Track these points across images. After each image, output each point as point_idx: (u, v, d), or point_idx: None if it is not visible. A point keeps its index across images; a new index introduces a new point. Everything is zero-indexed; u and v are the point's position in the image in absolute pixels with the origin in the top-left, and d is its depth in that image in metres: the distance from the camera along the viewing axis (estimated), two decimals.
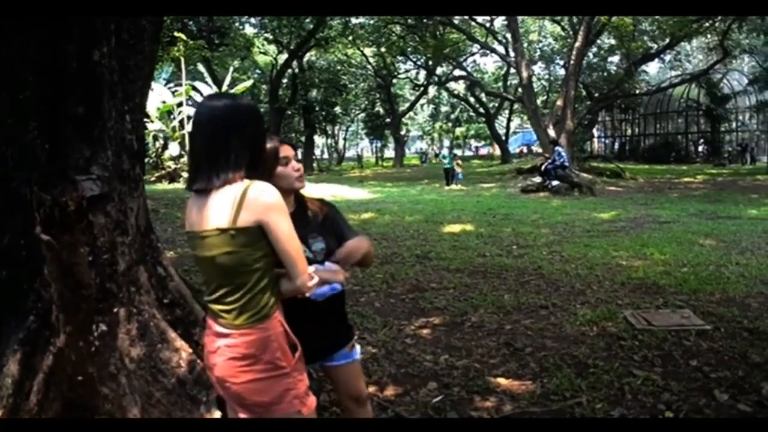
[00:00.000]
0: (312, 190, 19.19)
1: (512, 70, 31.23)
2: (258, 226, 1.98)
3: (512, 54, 24.07)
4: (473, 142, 60.38)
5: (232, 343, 2.04)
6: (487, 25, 30.62)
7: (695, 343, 4.66)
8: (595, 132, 42.32)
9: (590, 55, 34.02)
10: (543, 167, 18.05)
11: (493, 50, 29.92)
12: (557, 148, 18.25)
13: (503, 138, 43.83)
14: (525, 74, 21.34)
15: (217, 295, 2.07)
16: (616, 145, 40.92)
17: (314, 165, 39.68)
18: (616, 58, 36.09)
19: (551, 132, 21.20)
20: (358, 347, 2.78)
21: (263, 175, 2.15)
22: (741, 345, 4.60)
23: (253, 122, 2.10)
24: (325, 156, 58.62)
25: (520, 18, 26.71)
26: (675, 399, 3.72)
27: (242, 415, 2.15)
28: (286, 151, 2.43)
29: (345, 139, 59.31)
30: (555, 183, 17.37)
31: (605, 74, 34.93)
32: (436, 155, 52.99)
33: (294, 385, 2.09)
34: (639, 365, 4.27)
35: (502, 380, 4.10)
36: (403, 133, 48.47)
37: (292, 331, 2.20)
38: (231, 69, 22.67)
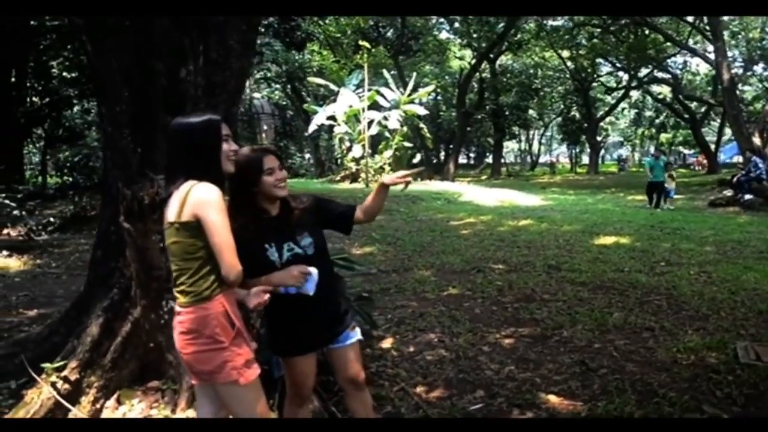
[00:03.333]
0: (481, 194, 19.22)
1: None
2: (197, 220, 2.33)
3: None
4: (683, 150, 55.57)
5: (181, 320, 2.43)
6: (697, 23, 28.06)
7: None
8: None
9: None
10: (735, 179, 16.28)
11: (693, 50, 27.45)
12: (754, 158, 16.31)
13: (712, 146, 39.96)
14: (726, 76, 19.36)
15: (174, 279, 2.46)
16: None
17: (502, 170, 39.30)
18: None
19: (756, 140, 19.03)
20: (358, 329, 2.94)
21: (219, 179, 2.44)
22: None
23: (204, 137, 2.44)
24: (519, 161, 57.86)
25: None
26: None
27: (194, 382, 2.56)
28: (270, 162, 2.66)
29: (541, 143, 57.95)
30: (748, 197, 15.54)
31: None
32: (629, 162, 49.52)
33: (232, 358, 2.40)
34: (715, 402, 3.88)
35: (552, 397, 3.97)
36: (599, 138, 46.22)
37: (296, 320, 2.72)
38: (414, 75, 23.35)
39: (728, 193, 16.46)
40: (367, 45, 19.21)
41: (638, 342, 5.05)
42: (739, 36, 38.29)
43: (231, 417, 2.62)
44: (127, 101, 3.91)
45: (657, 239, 10.55)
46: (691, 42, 32.75)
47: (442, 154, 41.55)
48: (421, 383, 4.23)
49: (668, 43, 31.17)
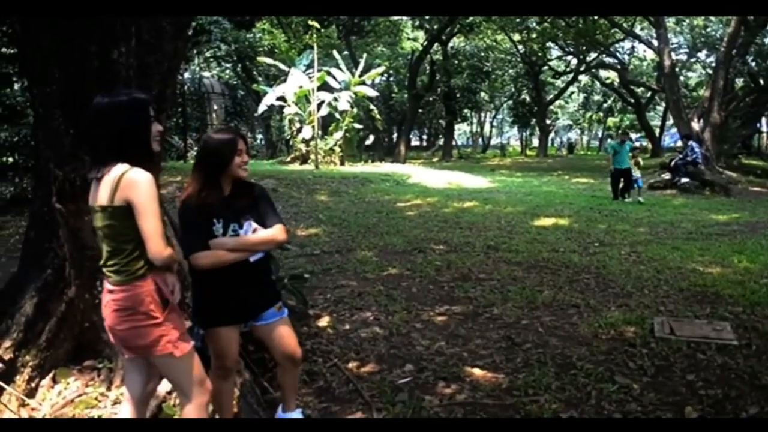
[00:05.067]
0: (430, 176, 19.46)
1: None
2: (128, 204, 2.41)
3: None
4: (631, 134, 56.81)
5: (116, 298, 2.51)
6: None
7: (709, 358, 4.41)
8: (765, 127, 38.45)
9: (764, 41, 30.97)
10: (673, 163, 16.90)
11: (638, 36, 28.19)
12: (690, 142, 16.96)
13: (656, 130, 41.13)
14: (668, 62, 19.99)
15: (105, 259, 2.53)
16: None
17: (453, 152, 39.64)
18: None
19: (695, 125, 19.75)
20: (285, 309, 3.08)
21: (149, 159, 2.54)
22: (760, 365, 4.28)
23: (134, 117, 2.52)
24: (470, 143, 58.44)
25: None
26: (638, 410, 3.62)
27: (128, 356, 2.65)
28: (241, 144, 2.85)
29: (492, 126, 58.57)
30: (684, 180, 16.18)
31: None
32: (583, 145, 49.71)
33: (167, 332, 2.53)
34: (627, 372, 4.15)
35: (477, 371, 4.18)
36: (549, 122, 46.99)
37: (221, 292, 2.84)
38: (365, 56, 23.34)
39: (666, 176, 17.05)
40: (317, 25, 19.10)
41: (564, 318, 5.32)
42: (684, 23, 39.35)
43: (166, 387, 2.77)
44: (58, 82, 3.90)
45: (594, 221, 10.95)
46: (638, 28, 33.54)
47: (395, 135, 41.63)
48: (354, 359, 4.39)
49: (615, 29, 31.84)
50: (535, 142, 54.54)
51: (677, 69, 38.35)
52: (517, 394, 3.82)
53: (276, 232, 2.87)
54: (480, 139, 57.00)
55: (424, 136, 54.31)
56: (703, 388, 3.91)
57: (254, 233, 2.82)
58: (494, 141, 58.59)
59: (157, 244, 2.39)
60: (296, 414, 3.27)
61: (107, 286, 2.54)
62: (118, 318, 2.50)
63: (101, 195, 2.44)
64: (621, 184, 14.57)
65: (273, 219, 2.91)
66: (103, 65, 3.92)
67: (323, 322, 5.18)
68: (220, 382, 3.01)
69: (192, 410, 2.62)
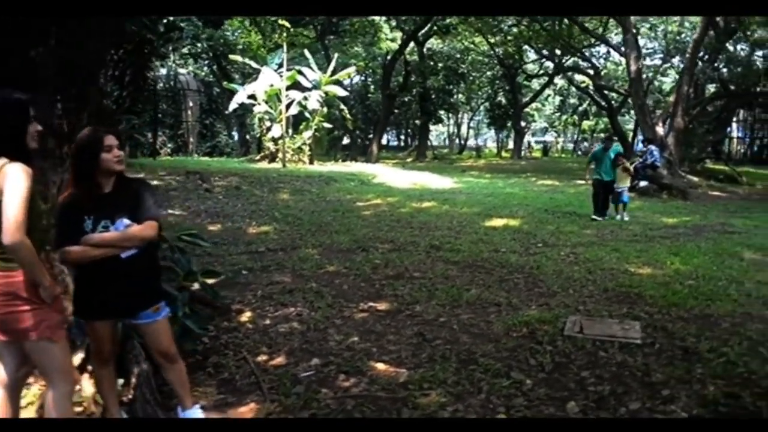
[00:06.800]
0: (397, 176, 19.59)
1: (644, 63, 29.06)
2: (2, 193, 2.50)
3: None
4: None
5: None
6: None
7: (609, 356, 4.57)
8: (735, 132, 39.17)
9: (736, 47, 31.45)
10: (633, 166, 17.18)
11: (606, 41, 28.57)
12: (650, 146, 17.30)
13: (628, 135, 41.58)
14: (633, 67, 20.25)
15: None
16: (756, 147, 37.55)
17: (428, 153, 39.81)
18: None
19: (660, 130, 20.09)
20: (165, 310, 3.18)
21: (26, 155, 2.64)
22: (657, 363, 4.44)
23: (14, 115, 2.69)
24: (447, 144, 58.68)
25: None
26: (524, 404, 3.76)
27: (4, 339, 2.75)
28: (109, 140, 2.93)
29: (470, 127, 58.84)
30: (643, 183, 16.50)
31: (754, 69, 31.79)
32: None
33: (47, 317, 2.68)
34: (525, 369, 4.30)
35: (380, 365, 4.32)
36: (524, 124, 47.33)
37: (91, 287, 2.97)
38: (336, 56, 23.46)
39: None
40: (287, 24, 19.16)
41: (482, 316, 5.46)
42: (658, 29, 39.84)
43: (37, 371, 2.90)
44: None
45: (545, 222, 11.14)
46: (613, 33, 33.90)
47: (372, 135, 41.70)
48: (265, 353, 4.51)
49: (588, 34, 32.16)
50: (511, 144, 54.86)
51: (651, 74, 38.98)
52: (411, 387, 3.95)
53: (141, 228, 2.94)
54: (457, 141, 57.27)
55: (402, 137, 54.50)
56: (593, 385, 4.07)
57: (126, 229, 2.91)
58: (471, 142, 58.82)
59: (8, 229, 2.44)
60: (195, 410, 3.36)
61: None
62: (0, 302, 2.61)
63: None
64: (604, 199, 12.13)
65: (147, 215, 2.99)
66: (23, 63, 4.00)
67: (245, 317, 5.29)
68: (100, 369, 3.16)
69: (55, 398, 2.75)
